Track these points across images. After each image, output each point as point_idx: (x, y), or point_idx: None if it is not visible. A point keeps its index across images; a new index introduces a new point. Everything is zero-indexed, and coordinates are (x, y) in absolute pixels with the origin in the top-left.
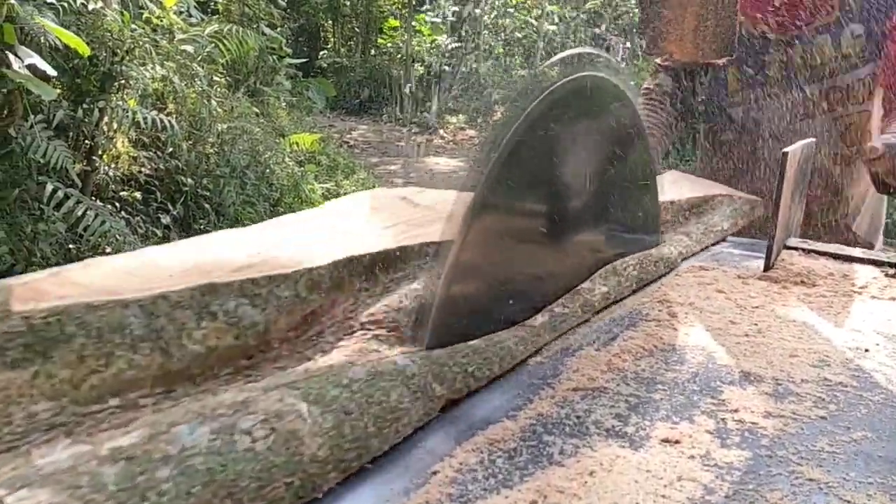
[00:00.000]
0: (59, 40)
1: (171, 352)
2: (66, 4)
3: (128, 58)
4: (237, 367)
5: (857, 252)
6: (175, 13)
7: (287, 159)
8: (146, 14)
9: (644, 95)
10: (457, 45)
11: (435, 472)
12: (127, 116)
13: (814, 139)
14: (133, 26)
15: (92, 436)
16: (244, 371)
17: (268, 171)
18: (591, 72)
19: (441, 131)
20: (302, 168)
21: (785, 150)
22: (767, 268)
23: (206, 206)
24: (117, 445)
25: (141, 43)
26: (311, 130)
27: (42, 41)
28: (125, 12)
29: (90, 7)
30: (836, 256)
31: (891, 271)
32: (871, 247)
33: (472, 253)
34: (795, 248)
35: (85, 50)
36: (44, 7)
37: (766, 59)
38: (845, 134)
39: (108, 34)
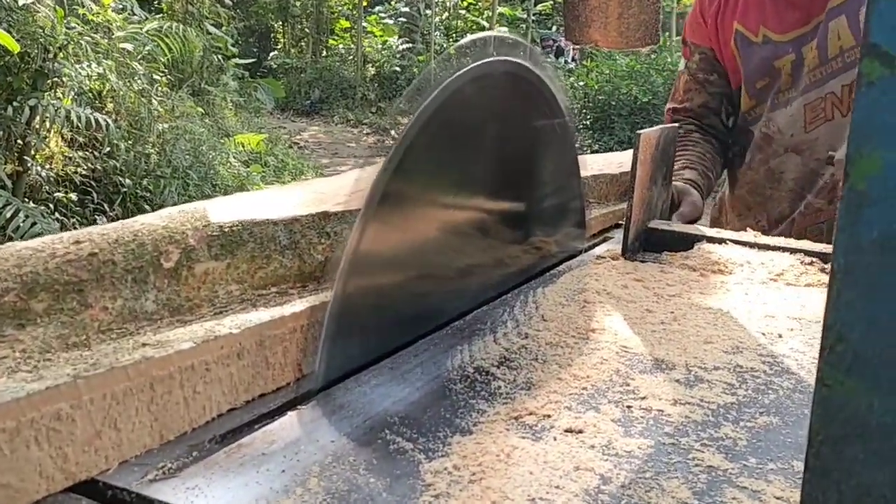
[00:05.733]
0: None
1: (304, 258)
2: None
3: (61, 55)
4: None
5: (773, 241)
6: (115, 10)
7: (232, 159)
8: (82, 11)
9: (670, 116)
10: (408, 45)
11: (320, 467)
12: (59, 115)
13: (677, 125)
14: (73, 24)
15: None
16: None
17: (211, 171)
18: (504, 58)
19: (393, 132)
20: (248, 169)
21: (639, 132)
22: (625, 250)
23: (147, 207)
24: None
25: (76, 40)
26: (260, 131)
27: None
28: (59, 9)
29: (21, 2)
30: (752, 245)
31: (807, 259)
32: None
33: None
34: (713, 238)
35: (14, 46)
36: None
37: (776, 64)
38: None
39: (41, 31)
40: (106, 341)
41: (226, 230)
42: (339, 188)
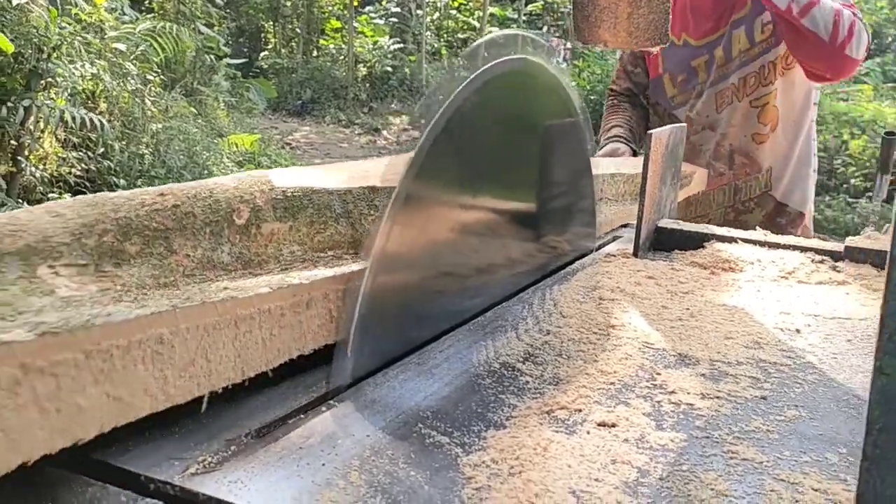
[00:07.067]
0: None
1: (356, 227)
2: None
3: (55, 55)
4: None
5: (783, 239)
6: (107, 10)
7: (226, 160)
8: (75, 10)
9: (608, 97)
10: (399, 45)
11: (360, 461)
12: (54, 115)
13: (684, 124)
14: (66, 24)
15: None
16: None
17: (206, 172)
18: (525, 56)
19: (384, 132)
20: (242, 169)
21: (650, 132)
22: (637, 249)
23: None
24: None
25: (69, 40)
26: (252, 131)
27: None
28: (52, 8)
29: (14, 2)
30: (762, 244)
31: (817, 258)
32: (802, 216)
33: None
34: (722, 237)
35: (8, 47)
36: None
37: (693, 63)
38: (761, 113)
39: (35, 31)
40: (191, 284)
41: (288, 195)
42: (382, 168)
